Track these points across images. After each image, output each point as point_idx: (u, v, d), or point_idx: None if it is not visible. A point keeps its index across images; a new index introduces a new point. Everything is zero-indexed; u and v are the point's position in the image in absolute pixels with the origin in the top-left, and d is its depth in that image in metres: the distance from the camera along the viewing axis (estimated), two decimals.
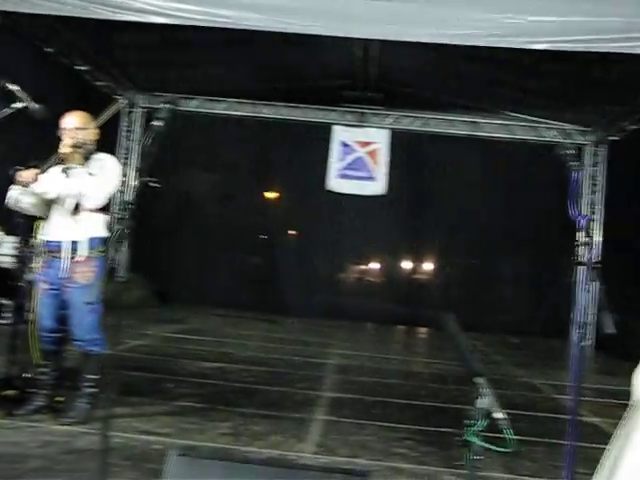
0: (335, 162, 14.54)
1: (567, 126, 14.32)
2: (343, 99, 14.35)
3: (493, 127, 14.60)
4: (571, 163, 3.75)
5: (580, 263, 3.59)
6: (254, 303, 16.39)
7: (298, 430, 6.05)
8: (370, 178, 14.42)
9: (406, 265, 17.35)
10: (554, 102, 13.27)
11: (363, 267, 18.37)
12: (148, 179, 4.23)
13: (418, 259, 17.22)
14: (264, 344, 11.31)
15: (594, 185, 14.03)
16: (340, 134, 14.62)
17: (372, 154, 14.51)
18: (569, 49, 8.79)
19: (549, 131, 14.33)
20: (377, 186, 14.36)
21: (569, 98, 12.87)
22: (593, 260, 3.53)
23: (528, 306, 14.95)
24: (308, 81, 14.29)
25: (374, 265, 18.27)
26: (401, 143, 15.08)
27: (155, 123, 3.85)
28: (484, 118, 14.62)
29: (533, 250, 14.82)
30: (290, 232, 18.13)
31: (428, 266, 17.32)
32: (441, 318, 3.11)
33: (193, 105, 14.92)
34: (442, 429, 6.47)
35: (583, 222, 3.63)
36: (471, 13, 8.15)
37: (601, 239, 13.79)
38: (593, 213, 13.93)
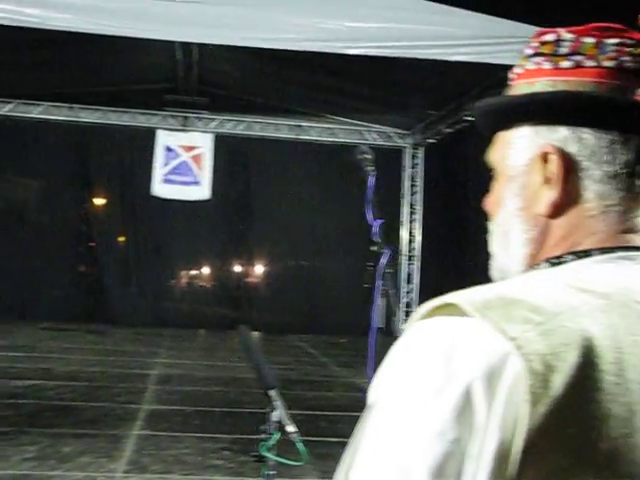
0: (159, 167, 14.23)
1: (388, 129, 14.71)
2: (166, 103, 14.08)
3: (317, 131, 14.75)
4: (367, 167, 3.80)
5: (374, 268, 3.61)
6: (81, 314, 15.84)
7: (112, 448, 5.84)
8: (195, 183, 14.20)
9: (236, 269, 17.29)
10: (376, 106, 13.59)
11: (193, 272, 18.16)
12: None
13: (248, 262, 17.21)
14: (88, 357, 10.92)
15: (413, 186, 14.47)
16: (164, 139, 14.32)
17: (196, 159, 14.30)
18: (385, 55, 9.03)
19: (371, 134, 14.67)
20: (202, 191, 14.17)
21: (389, 102, 13.21)
22: (386, 265, 3.56)
23: (355, 306, 15.20)
24: (128, 84, 13.93)
25: (204, 270, 18.11)
26: (227, 147, 15.00)
27: None
28: (309, 122, 14.75)
29: (358, 251, 15.09)
30: (117, 239, 17.66)
31: (258, 269, 17.34)
32: (238, 329, 3.05)
33: (7, 109, 14.17)
34: (262, 436, 6.42)
35: (377, 227, 3.65)
36: (290, 18, 8.18)
37: (421, 237, 14.25)
38: (413, 213, 14.37)
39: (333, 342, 14.27)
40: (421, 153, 14.52)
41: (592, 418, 0.72)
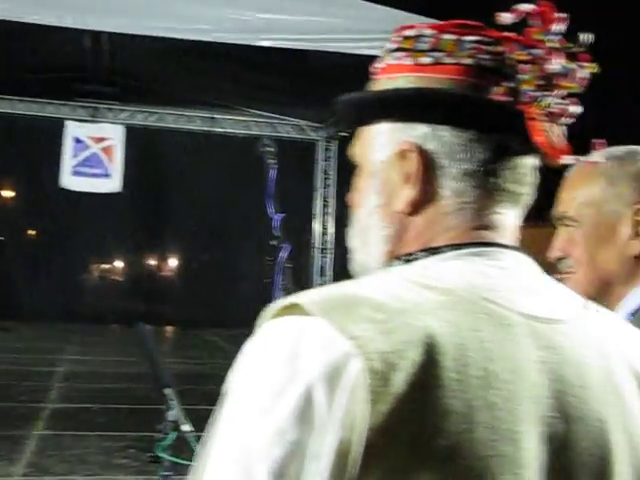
0: (68, 159, 13.86)
1: (301, 122, 14.70)
2: (75, 93, 13.74)
3: (230, 123, 14.64)
4: (269, 161, 3.72)
5: (274, 262, 3.58)
6: None
7: (11, 450, 5.66)
8: (105, 175, 13.89)
9: (149, 262, 17.06)
10: (289, 99, 13.55)
11: (104, 266, 17.81)
12: None
13: (161, 256, 17.00)
14: None
15: (326, 179, 14.49)
16: (73, 130, 13.96)
17: (107, 150, 14.01)
18: (297, 47, 8.98)
19: (284, 127, 14.63)
20: (112, 183, 13.85)
21: (303, 95, 13.19)
22: (285, 260, 3.53)
23: (264, 300, 15.17)
24: (36, 73, 13.53)
25: (116, 263, 17.79)
26: (138, 139, 14.74)
27: None
28: (222, 114, 14.62)
29: (268, 245, 15.01)
30: (25, 232, 17.21)
31: (172, 263, 17.15)
32: (136, 327, 2.99)
33: None
34: (158, 436, 6.32)
35: (277, 221, 3.62)
36: (202, 8, 8.09)
37: (334, 230, 14.31)
38: (326, 206, 14.41)
39: (246, 335, 14.15)
40: (334, 146, 14.55)
41: (432, 415, 0.72)
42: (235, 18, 8.29)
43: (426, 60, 0.90)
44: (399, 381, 0.71)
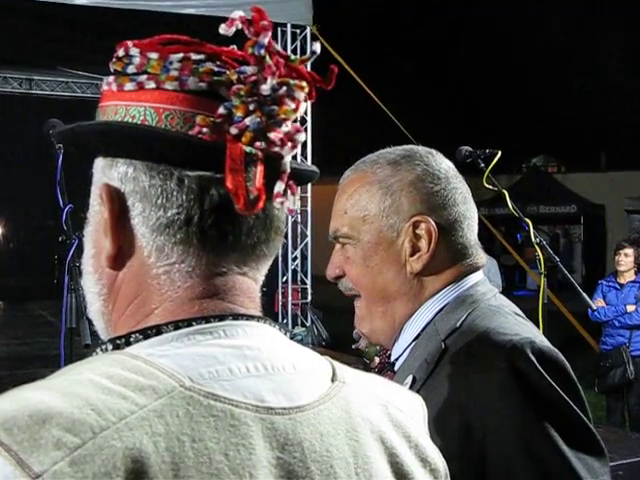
0: None
1: None
2: None
3: (50, 84, 13.90)
4: (57, 144, 3.26)
5: (64, 261, 3.30)
6: None
7: None
8: None
9: None
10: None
11: None
12: None
13: None
14: None
15: None
16: None
17: None
18: (116, 6, 8.72)
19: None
20: None
21: None
22: (74, 258, 3.25)
23: None
24: None
25: None
26: None
27: None
28: (41, 75, 13.83)
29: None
30: None
31: None
32: None
33: None
34: None
35: (66, 213, 3.31)
36: None
37: None
38: None
39: None
40: None
41: None
42: None
43: (129, 86, 0.76)
44: None
